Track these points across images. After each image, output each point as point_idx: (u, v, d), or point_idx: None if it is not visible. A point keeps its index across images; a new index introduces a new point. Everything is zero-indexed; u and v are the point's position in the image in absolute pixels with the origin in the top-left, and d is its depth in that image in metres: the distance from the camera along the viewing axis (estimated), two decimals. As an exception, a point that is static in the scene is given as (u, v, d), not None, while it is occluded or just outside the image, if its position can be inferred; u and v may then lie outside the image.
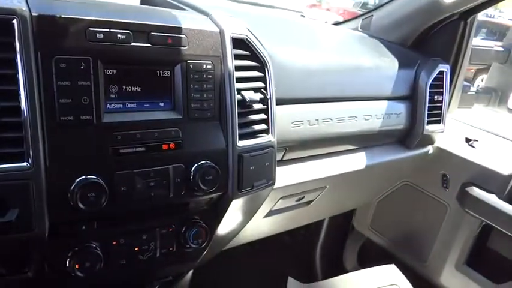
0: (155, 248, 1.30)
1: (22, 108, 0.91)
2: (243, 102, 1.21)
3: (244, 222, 1.49)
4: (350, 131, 1.71)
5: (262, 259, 2.44)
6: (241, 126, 1.23)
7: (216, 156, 1.19)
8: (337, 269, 2.65)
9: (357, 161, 1.86)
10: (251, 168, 1.26)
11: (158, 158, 1.11)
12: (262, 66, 1.27)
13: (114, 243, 1.23)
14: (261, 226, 1.76)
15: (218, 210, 1.34)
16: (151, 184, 1.13)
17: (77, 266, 1.16)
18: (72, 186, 1.03)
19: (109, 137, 1.03)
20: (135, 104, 1.10)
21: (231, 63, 1.17)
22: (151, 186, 1.11)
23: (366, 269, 1.91)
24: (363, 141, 1.88)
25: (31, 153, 0.93)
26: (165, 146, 1.12)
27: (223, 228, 1.38)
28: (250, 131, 1.27)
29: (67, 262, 1.15)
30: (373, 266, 1.94)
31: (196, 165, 1.16)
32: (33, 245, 1.08)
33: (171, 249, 1.28)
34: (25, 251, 1.10)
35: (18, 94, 0.90)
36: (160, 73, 1.11)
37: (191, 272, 1.72)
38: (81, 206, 1.06)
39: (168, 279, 1.50)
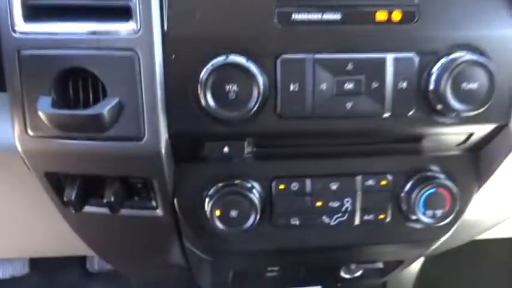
0: (352, 210, 0.74)
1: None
2: None
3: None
4: None
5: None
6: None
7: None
8: None
9: None
10: None
11: (363, 37, 0.65)
12: None
13: (279, 187, 0.71)
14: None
15: (482, 163, 0.77)
16: (348, 86, 0.65)
17: (217, 213, 0.69)
18: (204, 72, 0.56)
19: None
20: None
21: None
22: (347, 91, 0.65)
23: None
24: None
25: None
26: (381, 15, 0.64)
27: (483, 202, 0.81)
28: None
29: (205, 205, 0.70)
30: None
31: (445, 58, 0.63)
32: (150, 167, 0.66)
33: (381, 216, 0.77)
34: (144, 176, 0.69)
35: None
36: None
37: (419, 263, 1.08)
38: (212, 104, 0.58)
39: (375, 267, 0.91)
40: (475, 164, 0.77)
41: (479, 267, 1.82)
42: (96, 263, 1.87)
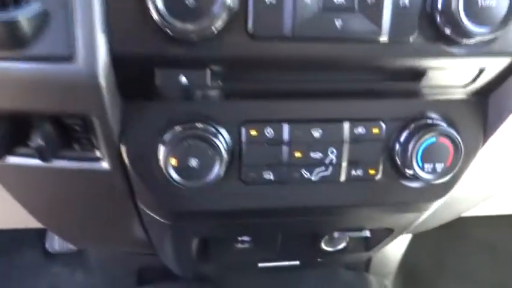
0: (338, 164, 0.62)
1: None
2: None
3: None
4: None
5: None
6: None
7: None
8: None
9: None
10: None
11: None
12: None
13: (250, 132, 0.59)
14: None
15: (490, 110, 0.67)
16: (338, 0, 0.53)
17: (173, 162, 0.56)
18: None
19: None
20: None
21: None
22: (337, 5, 0.53)
23: None
24: None
25: None
26: None
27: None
28: None
29: (159, 153, 0.57)
30: None
31: None
32: (86, 99, 0.53)
33: (371, 171, 0.66)
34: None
35: None
36: None
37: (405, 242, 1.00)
38: (164, 13, 0.46)
39: (361, 236, 0.80)
40: (482, 111, 0.65)
41: (462, 247, 1.75)
42: (56, 243, 1.72)
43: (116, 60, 0.51)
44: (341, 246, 0.86)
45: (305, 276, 1.33)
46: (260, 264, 0.95)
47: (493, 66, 0.59)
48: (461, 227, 1.68)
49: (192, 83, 0.55)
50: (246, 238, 0.82)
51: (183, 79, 0.54)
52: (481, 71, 0.60)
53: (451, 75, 0.61)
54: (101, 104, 0.53)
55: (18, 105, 0.54)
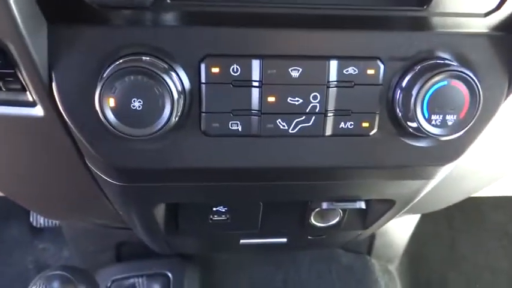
0: (322, 112, 0.50)
1: None
2: None
3: None
4: None
5: None
6: None
7: None
8: None
9: None
10: None
11: None
12: None
13: (211, 70, 0.48)
14: None
15: None
16: None
17: (111, 103, 0.44)
18: None
19: None
20: None
21: None
22: None
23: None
24: None
25: None
26: None
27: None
28: None
29: (96, 89, 0.45)
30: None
31: None
32: None
33: (365, 124, 0.53)
34: None
35: None
36: None
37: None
38: None
39: (355, 207, 0.68)
40: (507, 51, 0.51)
41: (476, 233, 1.62)
42: (41, 218, 1.64)
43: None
44: (333, 221, 0.74)
45: (300, 257, 1.22)
46: (242, 241, 0.83)
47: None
48: (475, 210, 1.55)
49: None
50: (221, 208, 0.71)
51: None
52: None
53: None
54: (13, 23, 0.42)
55: None
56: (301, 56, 0.49)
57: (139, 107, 0.46)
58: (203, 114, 0.49)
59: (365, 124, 0.52)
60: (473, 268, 1.49)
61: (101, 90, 0.45)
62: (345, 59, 0.49)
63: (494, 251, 1.58)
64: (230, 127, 0.50)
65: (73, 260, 1.58)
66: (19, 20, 0.42)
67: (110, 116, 0.46)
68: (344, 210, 0.73)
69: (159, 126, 0.46)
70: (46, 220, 1.61)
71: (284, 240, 0.82)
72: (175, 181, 0.57)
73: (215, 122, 0.50)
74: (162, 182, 0.57)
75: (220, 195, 0.65)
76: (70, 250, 1.38)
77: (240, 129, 0.50)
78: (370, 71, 0.50)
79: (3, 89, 0.52)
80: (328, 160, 0.54)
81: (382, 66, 0.50)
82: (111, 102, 0.45)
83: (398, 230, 1.22)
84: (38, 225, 1.62)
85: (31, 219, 1.61)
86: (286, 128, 0.51)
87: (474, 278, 1.47)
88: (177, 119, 0.47)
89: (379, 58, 0.49)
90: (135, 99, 0.46)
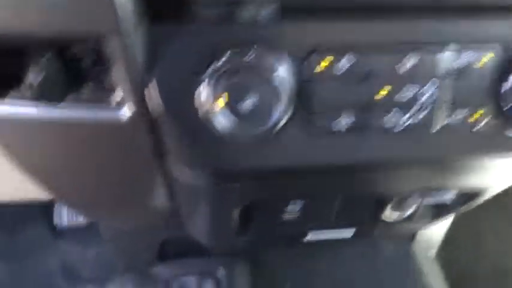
0: (435, 104, 0.46)
1: None
2: None
3: None
4: None
5: None
6: None
7: None
8: None
9: None
10: None
11: None
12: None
13: (320, 64, 0.44)
14: None
15: None
16: None
17: (220, 103, 0.41)
18: None
19: None
20: None
21: None
22: None
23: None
24: None
25: None
26: None
27: None
28: None
29: (201, 91, 0.41)
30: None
31: None
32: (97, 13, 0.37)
33: (476, 116, 0.49)
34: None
35: None
36: None
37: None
38: None
39: (442, 199, 0.65)
40: None
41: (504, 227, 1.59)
42: (65, 217, 1.59)
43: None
44: (409, 212, 0.71)
45: (344, 247, 1.19)
46: (307, 238, 0.80)
47: None
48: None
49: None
50: (294, 205, 0.67)
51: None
52: None
53: None
54: (119, 18, 0.38)
55: (10, 24, 0.38)
56: (416, 41, 0.45)
57: (249, 105, 0.42)
58: (309, 112, 0.46)
59: (475, 116, 0.48)
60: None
61: (207, 88, 0.42)
62: (459, 48, 0.46)
63: None
64: (338, 123, 0.47)
65: (100, 261, 1.55)
66: (126, 15, 0.38)
67: (220, 117, 0.42)
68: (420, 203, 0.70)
69: (270, 126, 0.43)
70: (70, 220, 1.57)
71: (350, 234, 0.80)
72: (269, 180, 0.54)
73: (322, 119, 0.46)
74: (255, 183, 0.54)
75: (307, 191, 0.61)
76: (108, 250, 1.34)
77: (347, 126, 0.47)
78: (484, 61, 0.46)
79: (86, 91, 0.48)
80: (432, 154, 0.51)
81: (497, 56, 0.46)
82: (220, 101, 0.42)
83: (437, 226, 1.20)
84: (61, 226, 1.58)
85: (55, 220, 1.57)
86: (394, 123, 0.47)
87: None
88: (287, 117, 0.44)
89: (494, 48, 0.46)
90: (244, 98, 0.42)
